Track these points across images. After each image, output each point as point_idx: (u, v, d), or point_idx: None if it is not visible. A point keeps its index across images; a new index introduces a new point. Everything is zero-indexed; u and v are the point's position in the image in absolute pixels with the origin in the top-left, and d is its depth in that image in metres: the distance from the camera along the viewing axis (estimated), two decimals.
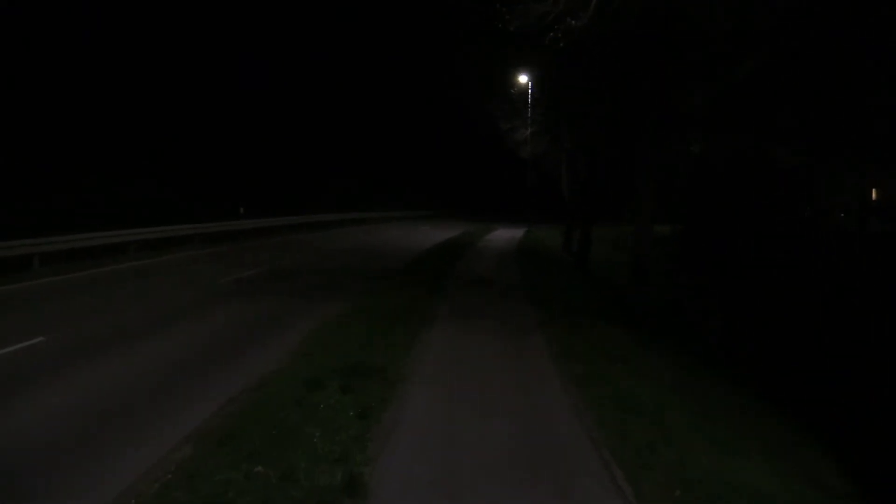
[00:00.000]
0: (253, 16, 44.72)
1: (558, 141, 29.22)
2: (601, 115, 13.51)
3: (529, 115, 33.91)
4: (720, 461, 5.35)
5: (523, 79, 33.79)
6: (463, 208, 61.82)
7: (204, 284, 14.54)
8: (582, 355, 8.40)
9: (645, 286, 12.93)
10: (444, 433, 5.58)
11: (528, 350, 8.61)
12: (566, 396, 6.68)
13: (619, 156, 26.64)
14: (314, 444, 5.13)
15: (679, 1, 9.73)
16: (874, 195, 37.76)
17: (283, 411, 5.79)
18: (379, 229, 37.25)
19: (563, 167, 33.38)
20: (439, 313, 10.83)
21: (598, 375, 7.47)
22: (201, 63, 38.66)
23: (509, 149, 36.45)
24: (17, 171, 24.50)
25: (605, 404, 6.43)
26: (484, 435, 5.54)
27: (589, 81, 12.73)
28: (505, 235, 34.91)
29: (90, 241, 18.53)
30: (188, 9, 37.85)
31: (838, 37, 13.74)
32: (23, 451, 5.17)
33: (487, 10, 17.70)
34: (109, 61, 32.00)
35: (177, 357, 8.11)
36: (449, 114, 58.61)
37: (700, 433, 6.02)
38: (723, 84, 10.41)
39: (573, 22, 11.25)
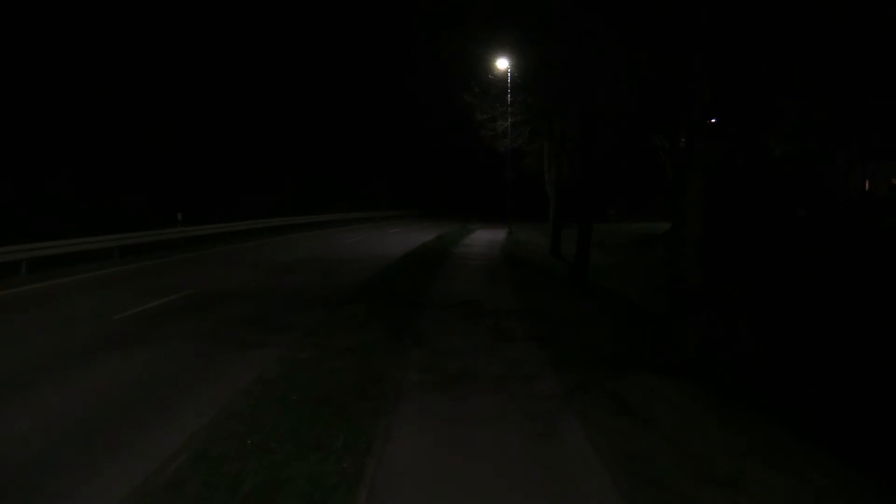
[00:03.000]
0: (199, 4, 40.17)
1: (546, 127, 25.64)
2: (637, 72, 9.82)
3: (509, 102, 30.45)
4: None
5: (502, 64, 30.26)
6: (437, 207, 57.92)
7: (93, 321, 10.59)
8: (667, 478, 4.67)
9: (697, 314, 9.31)
10: None
11: (574, 477, 4.80)
12: None
13: (620, 140, 23.17)
14: None
15: None
16: (867, 187, 35.19)
17: None
18: (342, 233, 33.21)
19: (547, 161, 29.91)
20: (408, 381, 6.96)
21: None
22: (140, 53, 34.15)
23: (486, 143, 33.02)
24: None
25: None
26: None
27: (625, 23, 9.06)
28: (485, 238, 31.19)
29: None
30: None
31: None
32: None
33: None
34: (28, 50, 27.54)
35: None
36: (421, 106, 54.88)
37: None
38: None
39: None
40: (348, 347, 8.05)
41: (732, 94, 8.85)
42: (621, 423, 5.87)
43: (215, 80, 40.24)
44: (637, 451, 5.24)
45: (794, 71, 10.42)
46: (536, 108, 24.00)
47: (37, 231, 19.44)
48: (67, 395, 6.77)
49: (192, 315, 11.36)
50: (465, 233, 34.04)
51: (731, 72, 8.58)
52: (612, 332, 11.00)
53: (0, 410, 6.28)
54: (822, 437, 6.96)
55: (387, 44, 52.83)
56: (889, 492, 5.52)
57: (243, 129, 41.92)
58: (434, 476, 4.65)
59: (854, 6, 9.57)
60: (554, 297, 14.25)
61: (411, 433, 5.44)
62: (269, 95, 45.56)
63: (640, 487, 4.56)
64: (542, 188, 32.23)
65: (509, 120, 30.64)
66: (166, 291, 13.57)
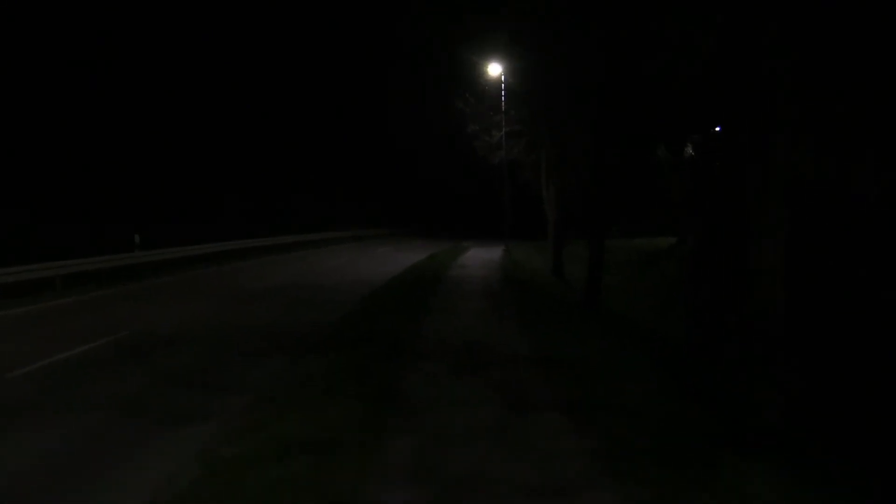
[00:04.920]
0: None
1: (547, 136, 23.31)
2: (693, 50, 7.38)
3: (503, 109, 28.27)
4: None
5: (495, 70, 28.10)
6: (427, 224, 55.45)
7: None
8: None
9: (778, 365, 6.90)
10: None
11: None
12: None
13: (633, 148, 20.98)
14: None
15: None
16: None
17: None
18: (325, 254, 30.68)
19: (545, 174, 27.65)
20: None
21: None
22: (90, 59, 31.65)
23: (479, 155, 30.83)
24: None
25: None
26: None
27: None
28: (480, 257, 28.77)
29: None
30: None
31: None
32: None
33: None
34: None
35: None
36: (410, 120, 52.77)
37: None
38: None
39: None
40: (301, 436, 5.52)
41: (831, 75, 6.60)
42: None
43: (196, 89, 37.89)
44: None
45: None
46: (538, 113, 21.61)
47: None
48: None
49: (116, 369, 8.82)
50: (459, 252, 31.60)
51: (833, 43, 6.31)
52: (655, 384, 8.52)
53: None
54: None
55: (376, 56, 50.80)
56: None
57: (224, 145, 39.51)
58: None
59: None
60: (569, 333, 11.79)
61: None
62: (253, 109, 43.23)
63: None
64: (537, 203, 29.92)
65: (504, 129, 28.41)
66: (98, 333, 11.01)
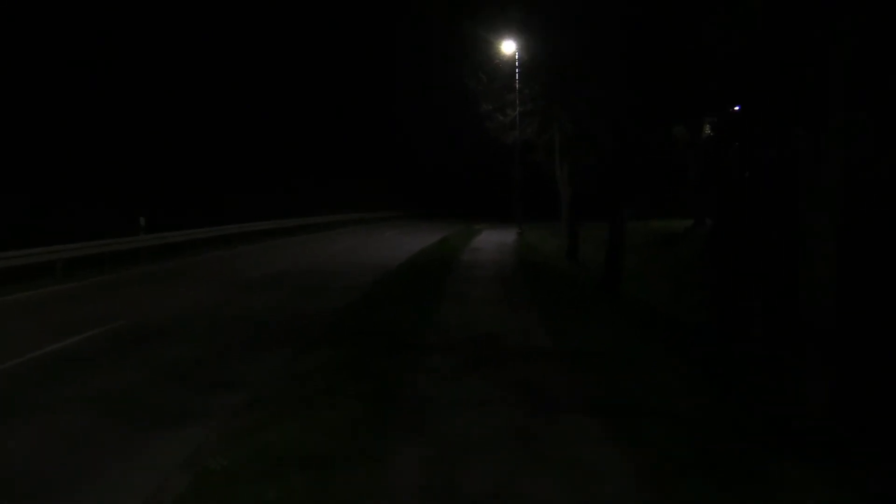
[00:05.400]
0: None
1: (563, 113, 22.44)
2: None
3: (517, 88, 27.39)
4: None
5: (509, 48, 27.23)
6: (437, 206, 54.58)
7: None
8: None
9: (825, 359, 6.22)
10: None
11: None
12: None
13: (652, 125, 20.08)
14: None
15: None
16: None
17: None
18: (331, 238, 30.07)
19: (559, 155, 26.83)
20: None
21: None
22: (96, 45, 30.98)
23: (490, 136, 30.13)
24: None
25: None
26: None
27: None
28: (494, 240, 28.08)
29: None
30: None
31: None
32: None
33: None
34: None
35: None
36: (417, 99, 51.88)
37: None
38: None
39: None
40: (300, 444, 4.91)
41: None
42: None
43: (200, 77, 37.21)
44: None
45: None
46: (554, 87, 20.69)
47: None
48: None
49: (109, 362, 8.27)
50: (471, 235, 30.92)
51: None
52: (685, 378, 7.86)
53: None
54: None
55: (383, 37, 49.80)
56: None
57: (232, 128, 38.91)
58: None
59: None
60: (588, 321, 11.10)
61: None
62: (260, 91, 42.53)
63: None
64: (548, 185, 29.18)
65: (518, 108, 27.54)
66: (91, 323, 10.48)
